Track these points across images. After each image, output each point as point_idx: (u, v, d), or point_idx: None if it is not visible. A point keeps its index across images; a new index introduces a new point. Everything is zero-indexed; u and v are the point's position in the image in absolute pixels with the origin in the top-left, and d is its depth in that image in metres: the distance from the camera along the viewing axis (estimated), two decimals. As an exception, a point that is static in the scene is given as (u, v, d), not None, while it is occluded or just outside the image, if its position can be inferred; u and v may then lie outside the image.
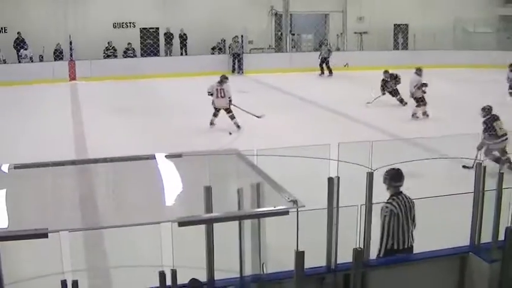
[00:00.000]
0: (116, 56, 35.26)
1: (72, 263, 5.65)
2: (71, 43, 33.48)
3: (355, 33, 39.21)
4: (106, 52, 35.18)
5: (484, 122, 15.34)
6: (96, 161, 10.24)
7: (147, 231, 7.97)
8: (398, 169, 8.50)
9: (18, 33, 34.31)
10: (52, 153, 16.86)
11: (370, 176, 7.15)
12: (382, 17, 38.58)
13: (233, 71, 34.65)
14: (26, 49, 33.96)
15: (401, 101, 24.20)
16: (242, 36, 35.80)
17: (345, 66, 34.35)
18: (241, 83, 28.17)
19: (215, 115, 20.08)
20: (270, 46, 38.49)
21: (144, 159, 8.43)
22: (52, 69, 32.61)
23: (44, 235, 5.56)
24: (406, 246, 8.26)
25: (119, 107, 23.67)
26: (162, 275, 5.91)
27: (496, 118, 15.30)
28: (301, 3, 36.84)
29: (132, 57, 35.28)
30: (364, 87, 27.54)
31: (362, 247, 7.21)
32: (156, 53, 35.92)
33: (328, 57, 33.94)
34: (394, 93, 24.52)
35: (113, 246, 10.39)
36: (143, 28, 36.78)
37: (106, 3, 35.81)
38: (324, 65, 34.01)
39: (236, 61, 34.95)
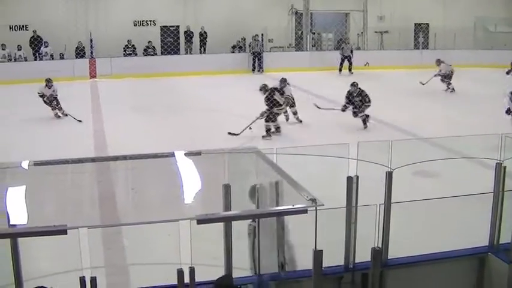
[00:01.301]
0: (136, 54, 35.35)
1: (91, 260, 5.66)
2: (91, 41, 33.65)
3: (376, 32, 39.10)
4: (126, 50, 35.28)
5: (266, 98, 18.90)
6: (115, 158, 10.27)
7: (165, 228, 7.98)
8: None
9: (33, 31, 34.51)
10: (71, 150, 16.97)
11: (389, 176, 7.14)
12: (403, 16, 38.44)
13: (253, 70, 34.65)
14: (46, 46, 34.20)
15: (364, 121, 20.30)
16: (262, 34, 35.80)
17: (365, 65, 34.25)
18: (260, 82, 28.11)
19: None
20: (290, 45, 38.46)
21: (163, 157, 8.45)
22: (72, 66, 32.75)
23: (63, 232, 5.58)
24: None
25: (139, 105, 23.74)
26: (180, 273, 5.92)
27: (275, 92, 19.06)
28: (322, 2, 36.77)
29: (152, 55, 35.35)
30: (385, 87, 27.48)
31: (380, 246, 7.20)
32: (176, 51, 35.96)
33: (351, 56, 33.85)
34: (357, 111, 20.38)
35: (132, 244, 10.42)
36: (164, 26, 36.86)
37: (126, 1, 35.95)
38: (346, 64, 33.92)
39: (256, 60, 34.94)
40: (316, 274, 6.45)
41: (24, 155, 15.84)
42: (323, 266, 6.50)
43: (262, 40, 35.65)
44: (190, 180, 7.52)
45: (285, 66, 33.34)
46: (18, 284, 6.62)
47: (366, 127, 20.00)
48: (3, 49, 33.94)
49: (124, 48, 35.24)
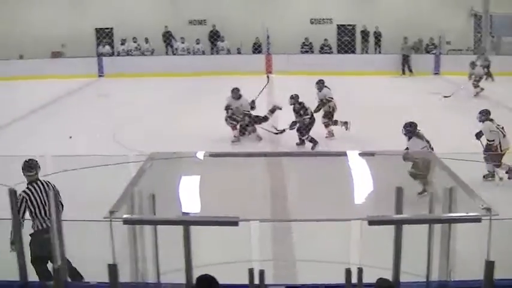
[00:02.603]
0: (312, 52, 35.57)
1: (260, 253, 5.74)
2: (268, 37, 34.14)
3: (561, 37, 37.43)
4: (303, 47, 35.57)
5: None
6: (287, 154, 10.36)
7: (335, 227, 7.97)
8: (31, 159, 9.64)
9: (213, 26, 35.73)
10: (244, 144, 17.33)
11: None
12: None
13: (403, 72, 33.93)
14: (223, 41, 35.12)
15: (301, 140, 18.12)
16: (440, 37, 35.13)
17: (546, 72, 32.80)
18: (434, 84, 27.68)
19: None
20: (468, 48, 37.41)
21: (335, 155, 8.44)
22: (249, 62, 33.43)
23: (235, 223, 5.68)
24: (45, 226, 9.16)
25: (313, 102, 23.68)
26: (348, 272, 5.90)
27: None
28: (502, 3, 35.54)
29: (328, 53, 35.45)
30: None
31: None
32: (352, 50, 35.94)
33: (489, 66, 32.35)
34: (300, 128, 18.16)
35: (300, 240, 10.48)
36: (340, 25, 36.88)
37: (305, -1, 36.28)
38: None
39: (405, 63, 34.21)
40: (486, 286, 6.26)
41: (199, 146, 16.29)
42: (494, 277, 6.31)
43: (438, 43, 34.96)
44: (363, 181, 7.46)
45: (463, 69, 32.55)
46: (188, 270, 6.81)
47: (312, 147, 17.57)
48: (182, 42, 35.24)
49: (301, 45, 35.57)
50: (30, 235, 9.31)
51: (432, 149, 13.22)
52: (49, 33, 35.31)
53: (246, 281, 5.99)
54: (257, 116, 19.14)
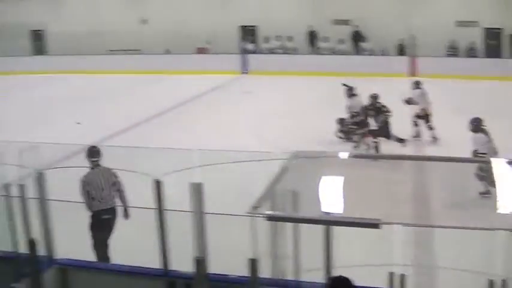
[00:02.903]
0: (457, 55, 34.85)
1: (402, 257, 5.67)
2: (413, 39, 33.70)
3: None
4: (450, 50, 34.91)
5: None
6: (431, 158, 10.22)
7: (479, 235, 7.78)
8: (94, 147, 10.74)
9: (356, 26, 35.55)
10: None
11: None
12: None
13: None
14: (366, 42, 34.96)
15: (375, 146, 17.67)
16: None
17: None
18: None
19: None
20: None
21: (478, 162, 8.27)
22: (392, 63, 33.12)
23: (376, 226, 5.67)
24: (109, 207, 10.28)
25: (455, 107, 23.16)
26: (491, 283, 5.77)
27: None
28: None
29: (474, 57, 34.63)
30: None
31: None
32: (499, 55, 34.99)
33: None
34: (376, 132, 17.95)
35: (442, 247, 10.30)
36: (487, 28, 35.90)
37: (450, 1, 35.48)
38: None
39: None
40: None
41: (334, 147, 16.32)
42: None
43: None
44: (507, 189, 7.27)
45: None
46: (328, 269, 6.84)
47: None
48: (325, 42, 35.28)
49: (448, 48, 34.90)
50: (90, 217, 10.23)
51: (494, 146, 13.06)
52: (195, 29, 36.22)
53: (384, 285, 5.95)
54: (361, 121, 18.58)
